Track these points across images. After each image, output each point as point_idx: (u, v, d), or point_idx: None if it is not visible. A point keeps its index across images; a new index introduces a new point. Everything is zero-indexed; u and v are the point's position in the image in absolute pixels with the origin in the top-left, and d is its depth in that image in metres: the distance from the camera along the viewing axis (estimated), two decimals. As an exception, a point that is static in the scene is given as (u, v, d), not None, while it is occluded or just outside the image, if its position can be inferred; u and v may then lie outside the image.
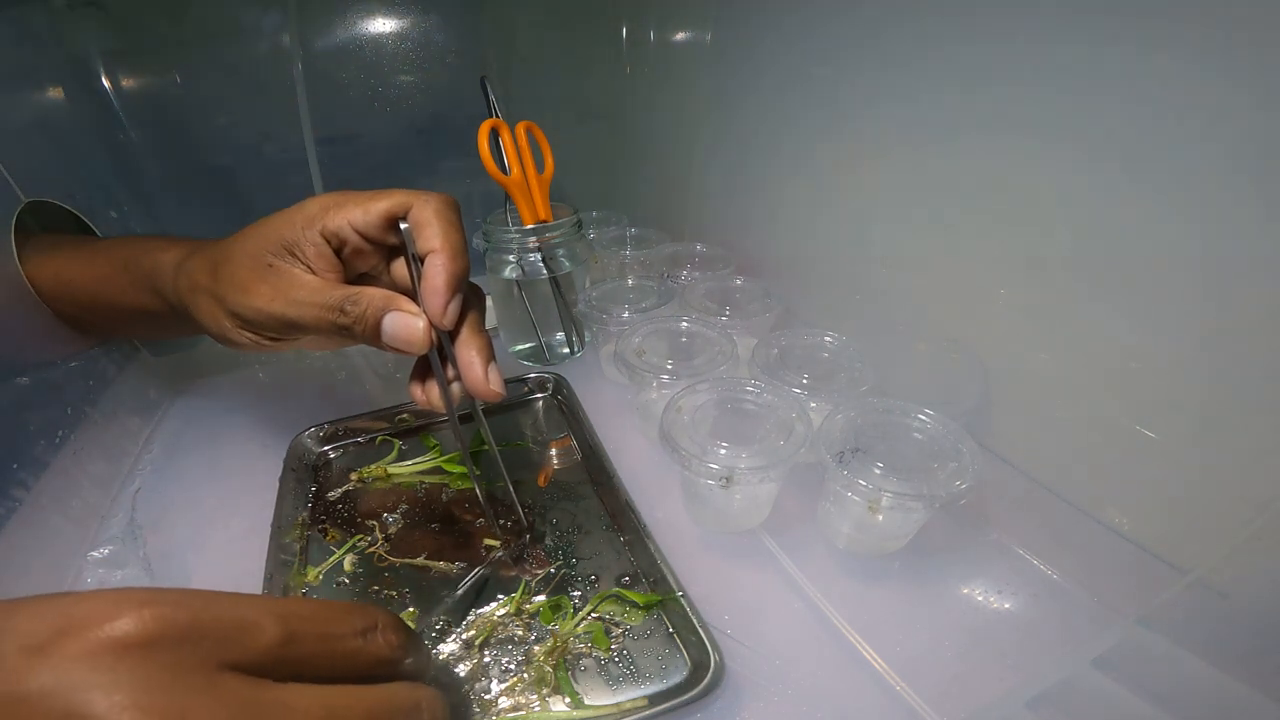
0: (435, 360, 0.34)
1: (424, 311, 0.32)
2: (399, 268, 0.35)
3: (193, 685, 0.18)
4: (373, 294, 0.32)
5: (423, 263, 0.32)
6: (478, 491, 0.38)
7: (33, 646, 0.17)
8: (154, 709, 0.17)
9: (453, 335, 0.34)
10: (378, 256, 0.34)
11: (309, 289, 0.32)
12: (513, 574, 0.38)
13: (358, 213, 0.32)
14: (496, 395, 0.34)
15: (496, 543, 0.39)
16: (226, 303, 0.33)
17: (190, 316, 0.35)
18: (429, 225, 0.32)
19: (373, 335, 0.32)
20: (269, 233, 0.32)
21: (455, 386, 0.34)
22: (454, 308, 0.32)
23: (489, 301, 0.65)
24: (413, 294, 0.33)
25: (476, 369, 0.33)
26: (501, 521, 0.40)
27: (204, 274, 0.34)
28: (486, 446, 0.48)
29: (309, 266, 0.32)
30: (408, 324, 0.32)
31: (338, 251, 0.33)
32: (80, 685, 0.17)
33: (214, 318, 0.34)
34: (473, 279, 0.35)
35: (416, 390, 0.35)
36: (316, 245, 0.32)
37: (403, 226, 0.32)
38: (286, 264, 0.32)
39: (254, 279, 0.32)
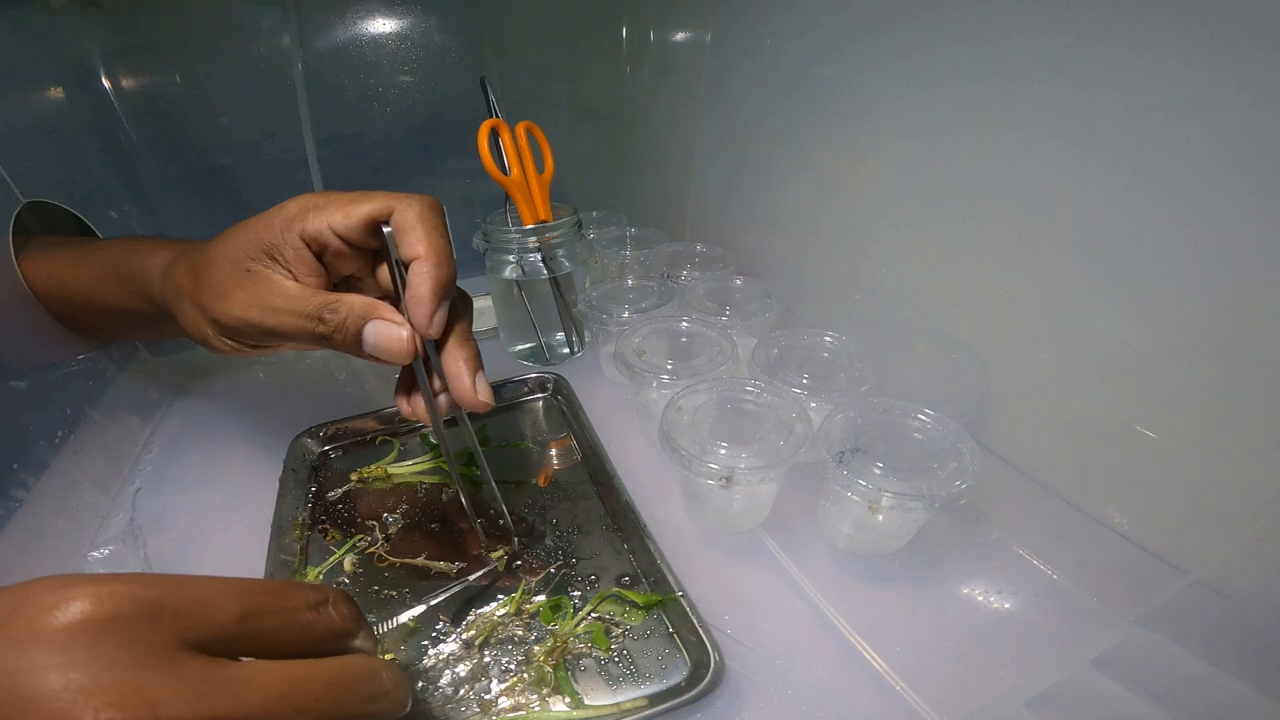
0: (420, 371, 0.32)
1: (408, 320, 0.31)
2: (383, 276, 0.34)
3: (151, 663, 0.18)
4: (353, 302, 0.30)
5: (407, 269, 0.31)
6: (462, 499, 0.37)
7: None
8: (111, 688, 0.17)
9: (439, 344, 0.32)
10: (361, 260, 0.33)
11: (286, 296, 0.31)
12: (513, 575, 0.38)
13: (338, 216, 0.31)
14: (485, 405, 0.32)
15: (498, 553, 0.38)
16: (207, 309, 0.32)
17: (176, 323, 0.34)
18: (412, 230, 0.30)
19: (353, 345, 0.31)
20: (248, 236, 0.31)
21: (442, 398, 0.33)
22: (440, 317, 0.31)
23: (489, 301, 0.65)
24: (396, 301, 0.31)
25: (464, 379, 0.32)
26: (502, 522, 0.40)
27: (186, 278, 0.33)
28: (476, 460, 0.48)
29: (289, 271, 0.31)
30: (390, 333, 0.30)
31: (319, 255, 0.32)
32: (35, 666, 0.17)
33: (195, 324, 0.33)
34: (472, 280, 0.34)
35: (403, 403, 0.34)
36: (296, 249, 0.31)
37: (385, 231, 0.30)
38: (266, 269, 0.31)
39: (232, 285, 0.31)
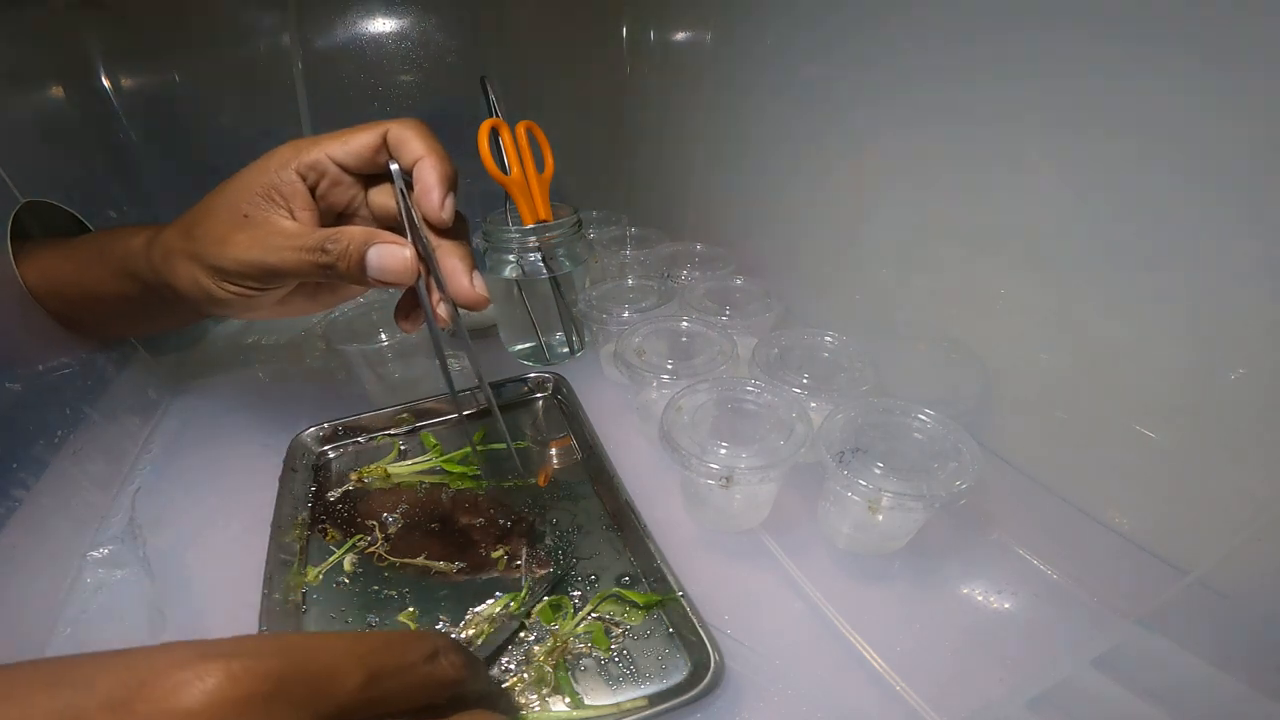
0: (422, 292, 0.34)
1: (423, 212, 0.33)
2: (375, 200, 0.35)
3: None
4: (353, 231, 0.32)
5: (410, 188, 0.33)
6: (445, 378, 0.38)
7: (116, 702, 0.17)
8: None
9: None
10: (356, 188, 0.35)
11: (286, 234, 0.32)
12: (514, 575, 0.38)
13: (334, 145, 0.33)
14: (480, 299, 0.34)
15: (498, 553, 0.39)
16: (204, 258, 0.33)
17: (170, 288, 0.35)
18: (410, 141, 0.33)
19: (357, 271, 0.32)
20: (241, 185, 0.33)
21: (442, 306, 0.35)
22: (450, 203, 0.33)
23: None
24: (401, 232, 0.33)
25: (460, 277, 0.34)
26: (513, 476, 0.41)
27: (178, 239, 0.34)
28: (483, 444, 0.48)
29: (286, 208, 0.33)
30: (394, 254, 0.32)
31: (313, 189, 0.34)
32: None
33: (192, 278, 0.34)
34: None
35: (403, 322, 0.36)
36: (291, 183, 0.33)
37: (393, 168, 0.33)
38: (263, 212, 0.33)
39: (231, 230, 0.32)
